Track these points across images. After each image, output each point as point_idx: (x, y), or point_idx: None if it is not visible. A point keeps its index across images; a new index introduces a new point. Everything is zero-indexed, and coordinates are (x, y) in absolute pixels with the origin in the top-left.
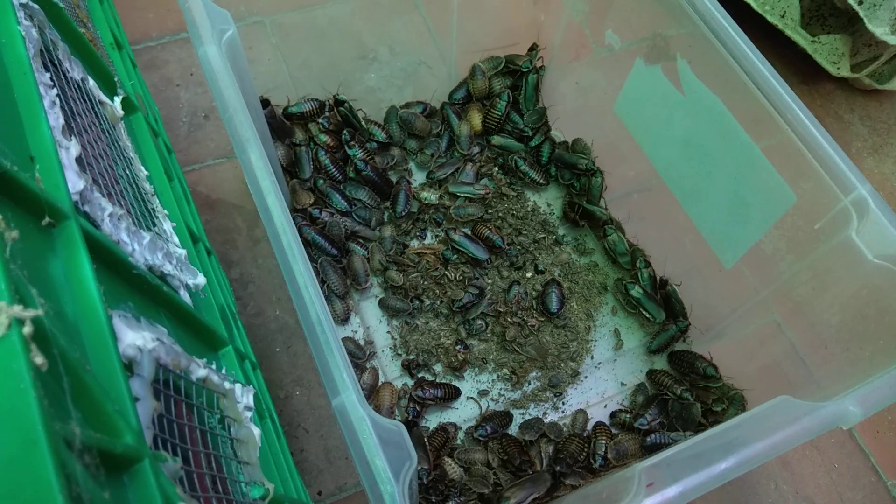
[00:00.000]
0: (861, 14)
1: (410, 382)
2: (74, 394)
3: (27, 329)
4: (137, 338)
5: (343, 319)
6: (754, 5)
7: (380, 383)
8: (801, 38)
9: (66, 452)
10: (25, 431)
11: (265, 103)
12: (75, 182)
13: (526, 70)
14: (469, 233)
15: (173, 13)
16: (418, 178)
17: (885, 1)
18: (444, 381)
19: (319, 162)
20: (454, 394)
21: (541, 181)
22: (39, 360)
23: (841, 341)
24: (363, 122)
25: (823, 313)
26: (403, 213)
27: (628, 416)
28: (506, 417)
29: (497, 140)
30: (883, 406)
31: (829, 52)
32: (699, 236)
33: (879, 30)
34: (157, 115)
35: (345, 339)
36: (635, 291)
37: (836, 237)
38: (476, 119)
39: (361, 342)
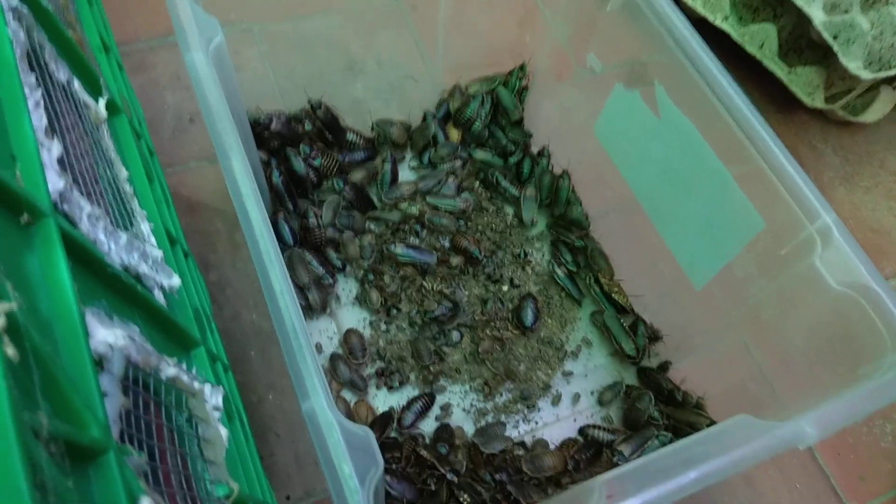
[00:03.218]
0: (835, 49)
1: (382, 391)
2: (44, 386)
3: (0, 321)
4: (109, 335)
5: (322, 308)
6: (734, 35)
7: (352, 403)
8: (778, 68)
9: (32, 440)
10: None
11: None
12: (55, 181)
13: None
14: (415, 243)
15: (163, 17)
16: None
17: (858, 37)
18: (417, 393)
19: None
20: (432, 401)
21: (520, 197)
22: (11, 351)
23: (806, 364)
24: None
25: (790, 336)
26: (390, 191)
27: (598, 431)
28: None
29: (479, 155)
30: (838, 428)
31: (804, 83)
32: (672, 257)
33: (853, 64)
34: (142, 118)
35: (350, 332)
36: (559, 271)
37: (801, 263)
38: (454, 134)
39: (340, 351)
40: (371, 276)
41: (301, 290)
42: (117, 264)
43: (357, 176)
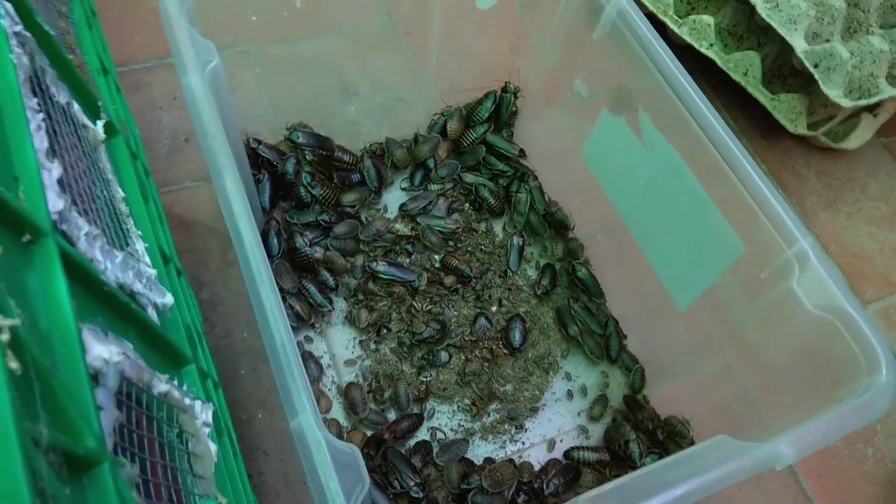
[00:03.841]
0: (817, 77)
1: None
2: (43, 398)
3: (4, 336)
4: (104, 351)
5: (308, 317)
6: (719, 62)
7: (346, 430)
8: (761, 95)
9: (32, 449)
10: None
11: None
12: (55, 202)
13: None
14: (402, 262)
15: (160, 38)
16: (392, 211)
17: (838, 66)
18: (407, 413)
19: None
20: (419, 422)
21: (497, 208)
22: (14, 364)
23: (787, 386)
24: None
25: (771, 358)
26: (376, 189)
27: (583, 452)
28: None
29: (470, 178)
30: (815, 449)
31: (787, 110)
32: (657, 279)
33: (833, 92)
34: (138, 139)
35: (351, 385)
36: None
37: (779, 286)
38: (442, 148)
39: (327, 368)
40: (361, 296)
41: (285, 298)
42: (113, 282)
43: (350, 197)
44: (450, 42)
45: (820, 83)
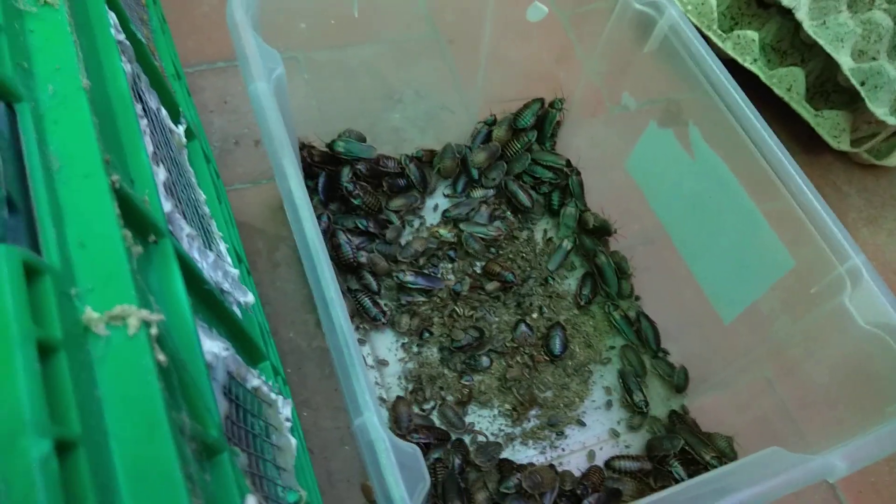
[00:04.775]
0: (863, 94)
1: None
2: (181, 390)
3: (154, 330)
4: (213, 346)
5: (350, 317)
6: (763, 77)
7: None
8: (805, 111)
9: (179, 437)
10: (151, 416)
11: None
12: (165, 204)
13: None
14: (436, 273)
15: (213, 42)
16: (436, 217)
17: (885, 84)
18: (437, 425)
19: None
20: (444, 437)
21: (527, 203)
22: (162, 357)
23: (829, 401)
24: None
25: (814, 373)
26: (422, 188)
27: (624, 462)
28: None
29: (512, 186)
30: (867, 463)
31: (831, 126)
32: (700, 291)
33: (880, 110)
34: (207, 143)
35: (400, 400)
36: (616, 314)
37: (830, 302)
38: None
39: (369, 369)
40: (404, 301)
41: None
42: (210, 281)
43: (397, 202)
44: (494, 51)
45: (866, 101)
